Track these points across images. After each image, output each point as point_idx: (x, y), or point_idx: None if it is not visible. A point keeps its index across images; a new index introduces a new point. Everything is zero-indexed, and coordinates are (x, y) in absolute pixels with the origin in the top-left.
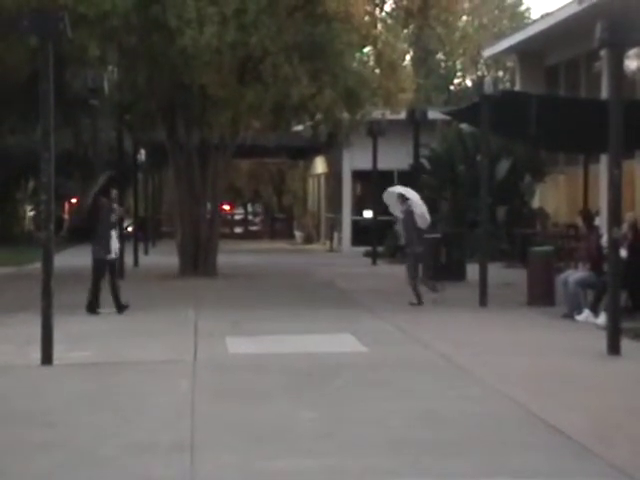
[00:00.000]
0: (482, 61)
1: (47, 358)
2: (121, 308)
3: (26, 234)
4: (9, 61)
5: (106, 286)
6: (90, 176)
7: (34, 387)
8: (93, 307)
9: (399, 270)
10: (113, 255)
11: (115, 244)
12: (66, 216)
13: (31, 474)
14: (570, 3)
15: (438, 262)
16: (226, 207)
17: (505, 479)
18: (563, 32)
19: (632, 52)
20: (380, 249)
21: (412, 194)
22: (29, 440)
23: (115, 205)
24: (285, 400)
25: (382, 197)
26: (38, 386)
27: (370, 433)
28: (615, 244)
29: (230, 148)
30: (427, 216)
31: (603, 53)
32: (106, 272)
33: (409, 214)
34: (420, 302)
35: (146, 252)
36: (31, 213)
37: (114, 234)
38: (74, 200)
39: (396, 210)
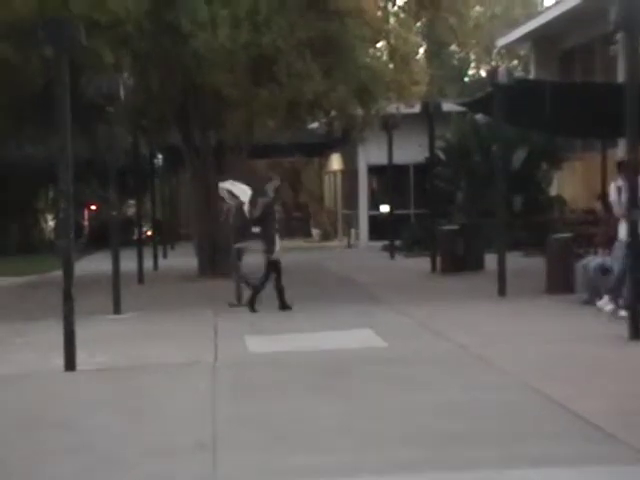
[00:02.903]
0: (496, 51)
1: (70, 364)
2: (285, 307)
3: (47, 243)
4: (24, 70)
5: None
6: (106, 182)
7: (58, 393)
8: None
9: (416, 263)
10: (279, 256)
11: (278, 245)
12: (85, 223)
13: (55, 478)
14: None
15: (456, 253)
16: None
17: (526, 468)
18: (578, 16)
19: None
20: (398, 243)
21: (241, 190)
22: (53, 445)
23: (279, 208)
24: (304, 397)
25: (398, 191)
26: (62, 392)
27: (389, 427)
28: (634, 227)
29: (245, 149)
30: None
31: (618, 36)
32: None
33: (239, 209)
34: (241, 302)
35: (165, 255)
36: (52, 222)
37: (277, 236)
38: (93, 207)
39: (231, 202)
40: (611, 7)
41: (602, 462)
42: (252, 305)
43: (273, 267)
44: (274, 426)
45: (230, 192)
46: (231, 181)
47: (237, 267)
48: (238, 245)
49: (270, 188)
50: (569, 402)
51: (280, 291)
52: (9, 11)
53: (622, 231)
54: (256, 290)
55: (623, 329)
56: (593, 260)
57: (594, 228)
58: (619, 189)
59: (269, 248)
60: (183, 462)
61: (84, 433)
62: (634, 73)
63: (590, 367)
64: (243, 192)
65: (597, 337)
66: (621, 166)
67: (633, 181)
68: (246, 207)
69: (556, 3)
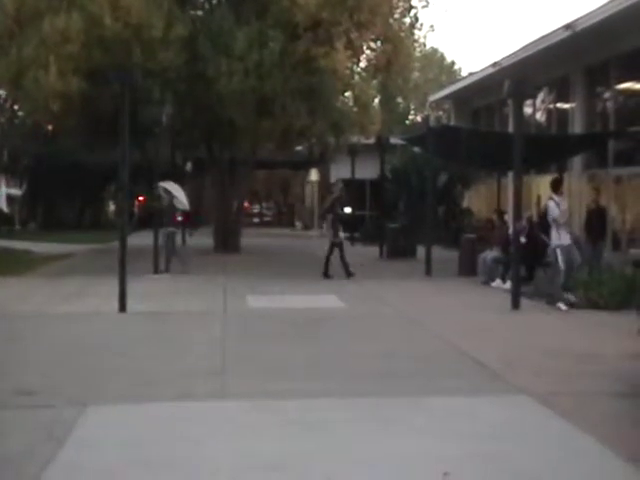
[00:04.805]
0: (428, 104)
1: (122, 307)
2: (349, 275)
3: (109, 222)
4: (99, 101)
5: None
6: (152, 181)
7: (112, 328)
8: (327, 274)
9: (369, 250)
10: (341, 239)
11: (341, 231)
12: (136, 209)
13: (106, 390)
14: (487, 66)
15: (397, 244)
16: (245, 204)
17: (440, 397)
18: (483, 86)
19: (528, 101)
20: (357, 235)
21: (174, 188)
22: (106, 366)
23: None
24: (287, 340)
25: (358, 198)
26: (115, 327)
27: (347, 365)
28: (517, 233)
29: (250, 162)
30: (186, 203)
31: (509, 101)
32: (335, 250)
33: (170, 202)
34: (168, 271)
35: (190, 235)
36: (113, 207)
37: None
38: (141, 198)
39: (165, 198)
40: (505, 82)
41: (492, 393)
42: (326, 273)
43: (337, 246)
44: (265, 360)
45: (165, 189)
46: (168, 181)
47: (170, 246)
48: (170, 229)
49: (337, 189)
50: (470, 351)
51: (345, 264)
52: (90, 61)
53: (564, 236)
54: (326, 262)
55: (508, 302)
56: (489, 254)
57: (491, 232)
58: (557, 204)
59: (334, 233)
60: (201, 382)
61: (128, 357)
62: (519, 126)
63: (485, 327)
64: (176, 190)
65: (490, 307)
66: (557, 184)
67: (517, 198)
68: (178, 201)
69: (469, 74)
